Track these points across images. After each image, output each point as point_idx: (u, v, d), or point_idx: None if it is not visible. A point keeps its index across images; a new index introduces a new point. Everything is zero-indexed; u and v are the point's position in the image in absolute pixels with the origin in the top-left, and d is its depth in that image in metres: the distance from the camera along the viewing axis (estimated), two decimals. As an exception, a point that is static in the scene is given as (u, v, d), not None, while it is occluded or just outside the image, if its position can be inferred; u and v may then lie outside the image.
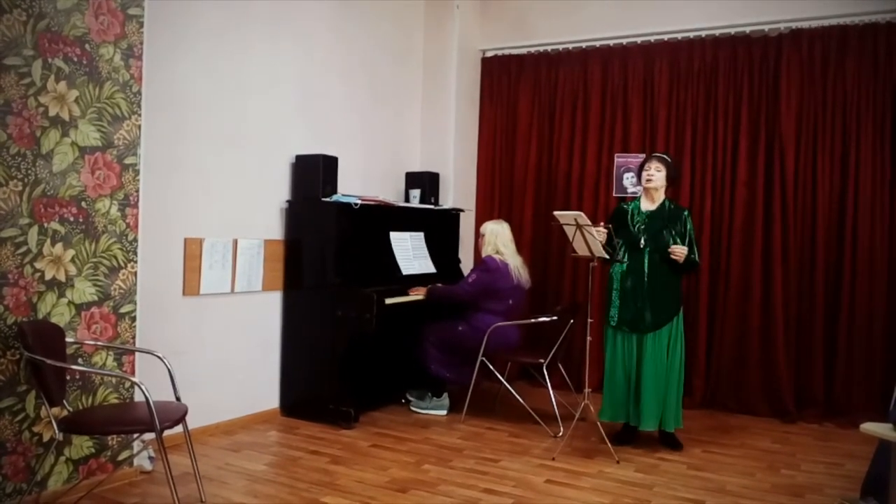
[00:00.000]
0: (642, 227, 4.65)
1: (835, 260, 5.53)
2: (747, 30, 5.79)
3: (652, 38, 6.14)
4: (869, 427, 3.02)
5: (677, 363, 4.62)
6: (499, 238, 5.34)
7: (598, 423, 4.61)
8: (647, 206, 4.72)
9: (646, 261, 4.60)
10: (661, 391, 4.57)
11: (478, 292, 5.20)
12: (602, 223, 4.69)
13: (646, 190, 4.72)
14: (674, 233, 4.60)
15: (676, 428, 4.67)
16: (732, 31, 5.84)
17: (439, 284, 5.45)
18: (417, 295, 5.33)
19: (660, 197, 4.70)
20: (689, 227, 4.63)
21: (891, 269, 5.36)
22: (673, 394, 4.61)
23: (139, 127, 3.87)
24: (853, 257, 5.44)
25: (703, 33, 5.95)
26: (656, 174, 4.65)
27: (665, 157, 4.75)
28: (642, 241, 4.61)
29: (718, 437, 5.01)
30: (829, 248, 5.55)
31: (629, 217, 4.72)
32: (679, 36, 6.04)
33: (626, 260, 4.67)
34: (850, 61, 5.48)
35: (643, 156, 6.07)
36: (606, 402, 4.72)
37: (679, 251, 4.50)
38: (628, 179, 6.20)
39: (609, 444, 4.52)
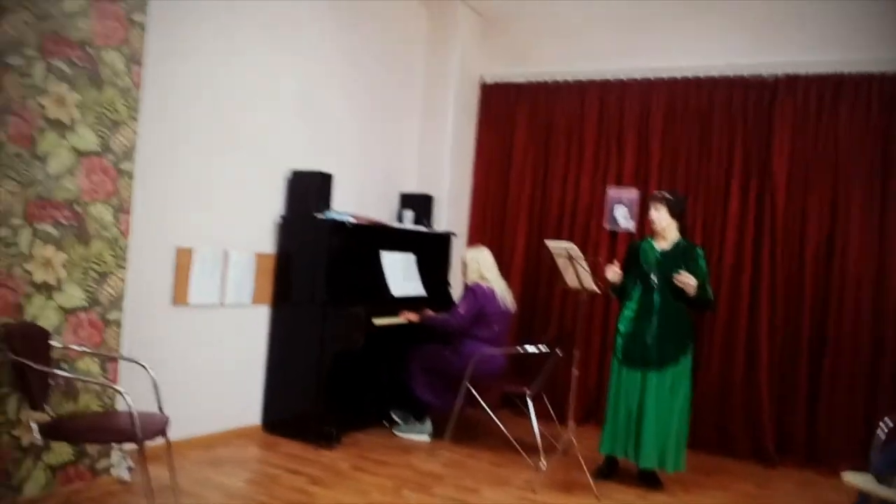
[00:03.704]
0: (655, 265, 4.64)
1: (821, 305, 5.55)
2: (744, 72, 5.86)
3: (650, 76, 6.20)
4: (851, 477, 3.02)
5: (681, 403, 4.57)
6: (481, 264, 5.35)
7: (580, 458, 4.57)
8: (660, 245, 4.69)
9: (656, 299, 4.59)
10: (662, 430, 4.52)
11: (469, 322, 5.18)
12: (615, 262, 4.72)
13: (655, 231, 4.74)
14: (685, 270, 4.55)
15: (677, 470, 4.61)
16: (729, 72, 5.90)
17: (430, 312, 5.43)
18: (411, 318, 5.31)
19: (672, 236, 4.68)
20: (701, 264, 4.61)
21: (875, 318, 5.38)
22: (674, 434, 4.55)
23: (136, 133, 3.85)
24: (839, 305, 5.47)
25: (701, 73, 6.01)
26: (657, 215, 4.65)
27: (663, 195, 4.72)
28: (654, 280, 4.61)
29: (699, 477, 4.99)
30: (816, 294, 5.56)
31: (642, 254, 4.73)
32: (677, 75, 6.10)
33: (633, 298, 4.67)
34: (843, 110, 5.55)
35: (635, 190, 6.15)
36: (607, 435, 4.69)
37: (685, 278, 4.45)
38: (620, 213, 6.22)
39: (590, 479, 4.49)
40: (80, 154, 3.59)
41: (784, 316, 5.65)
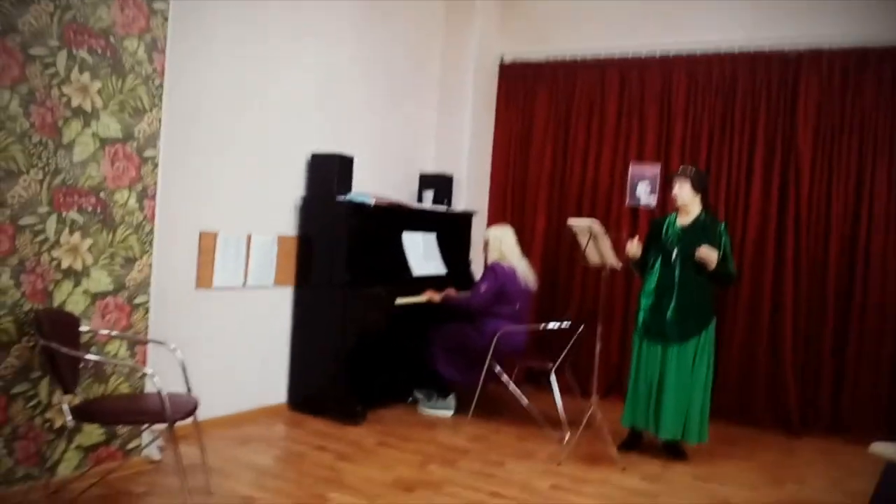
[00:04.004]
0: (675, 240, 4.64)
1: (846, 278, 5.52)
2: (767, 47, 5.78)
3: (671, 52, 6.14)
4: (879, 448, 3.01)
5: (703, 376, 4.59)
6: (503, 243, 5.36)
7: (605, 430, 4.61)
8: (682, 220, 4.70)
9: (676, 274, 4.60)
10: (683, 402, 4.56)
11: (491, 300, 5.21)
12: (637, 238, 4.76)
13: (678, 207, 4.74)
14: (707, 245, 4.55)
15: (700, 442, 4.64)
16: (752, 47, 5.83)
17: (452, 290, 5.50)
18: (432, 297, 5.35)
19: (693, 211, 4.68)
20: (724, 240, 4.61)
21: (901, 290, 5.36)
22: (697, 406, 4.58)
23: (160, 120, 3.90)
24: (865, 276, 5.44)
25: (723, 49, 5.94)
26: (679, 191, 4.66)
27: (686, 170, 4.72)
28: (674, 255, 4.61)
29: (723, 448, 5.01)
30: (841, 267, 5.54)
31: (664, 230, 4.73)
32: (698, 50, 6.04)
33: (654, 273, 4.69)
34: (868, 84, 5.46)
35: (658, 164, 6.13)
36: (628, 407, 4.76)
37: (705, 252, 4.46)
38: (642, 189, 6.20)
39: (614, 451, 4.54)
40: (104, 142, 3.64)
41: (808, 288, 5.63)
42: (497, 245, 5.36)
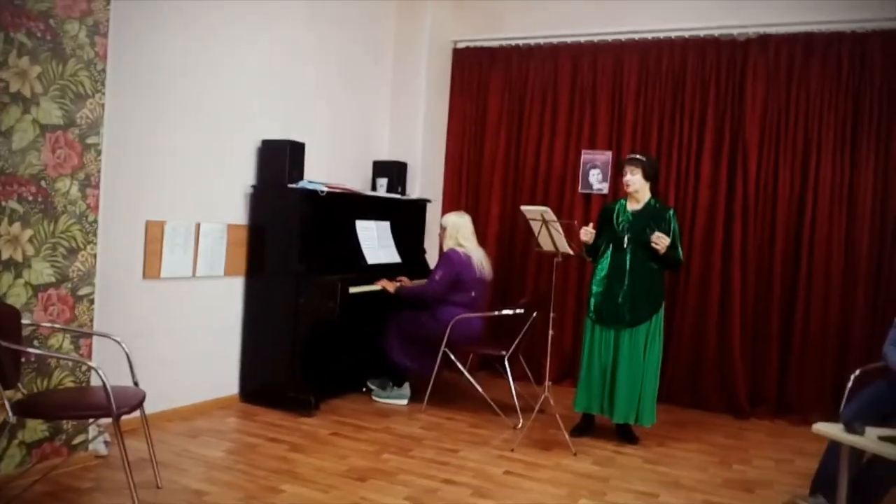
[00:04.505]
0: (626, 226, 4.68)
1: (792, 261, 5.64)
2: (716, 33, 5.85)
3: (623, 37, 6.18)
4: (821, 428, 3.10)
5: (654, 360, 4.67)
6: (460, 231, 5.34)
7: (557, 416, 4.65)
8: (632, 206, 4.75)
9: (628, 259, 4.65)
10: (636, 387, 4.62)
11: (446, 288, 5.19)
12: (590, 223, 4.79)
13: (628, 193, 4.77)
14: (657, 231, 4.60)
15: (650, 424, 4.72)
16: (702, 33, 5.90)
17: (405, 278, 5.49)
18: (386, 287, 5.32)
19: (644, 197, 4.73)
20: (673, 225, 4.67)
21: (845, 272, 5.49)
22: (649, 390, 4.66)
23: (102, 106, 3.80)
24: (810, 260, 5.55)
25: (673, 34, 6.00)
26: (632, 178, 4.68)
27: (637, 157, 4.75)
28: (625, 240, 4.65)
29: (673, 431, 5.09)
30: (787, 250, 5.65)
31: (614, 216, 4.76)
32: (649, 36, 6.08)
33: (605, 258, 4.73)
34: (814, 68, 5.57)
35: (609, 153, 6.17)
36: (581, 392, 4.79)
37: (657, 238, 4.50)
38: (594, 176, 6.24)
39: (567, 436, 4.58)
40: (45, 128, 3.53)
41: (756, 273, 5.73)
42: (454, 232, 5.35)
